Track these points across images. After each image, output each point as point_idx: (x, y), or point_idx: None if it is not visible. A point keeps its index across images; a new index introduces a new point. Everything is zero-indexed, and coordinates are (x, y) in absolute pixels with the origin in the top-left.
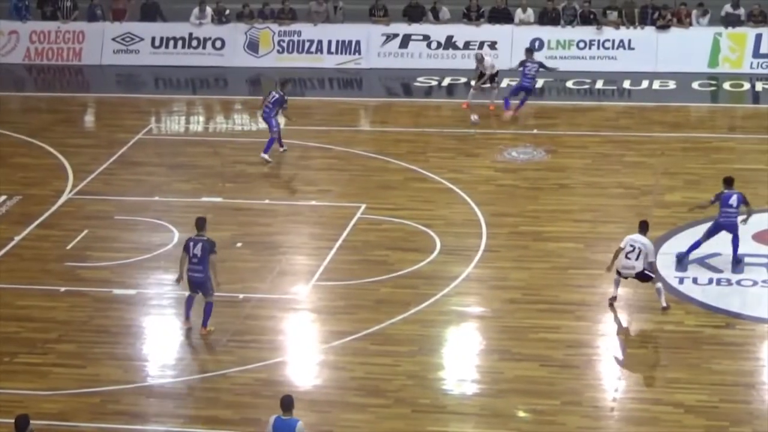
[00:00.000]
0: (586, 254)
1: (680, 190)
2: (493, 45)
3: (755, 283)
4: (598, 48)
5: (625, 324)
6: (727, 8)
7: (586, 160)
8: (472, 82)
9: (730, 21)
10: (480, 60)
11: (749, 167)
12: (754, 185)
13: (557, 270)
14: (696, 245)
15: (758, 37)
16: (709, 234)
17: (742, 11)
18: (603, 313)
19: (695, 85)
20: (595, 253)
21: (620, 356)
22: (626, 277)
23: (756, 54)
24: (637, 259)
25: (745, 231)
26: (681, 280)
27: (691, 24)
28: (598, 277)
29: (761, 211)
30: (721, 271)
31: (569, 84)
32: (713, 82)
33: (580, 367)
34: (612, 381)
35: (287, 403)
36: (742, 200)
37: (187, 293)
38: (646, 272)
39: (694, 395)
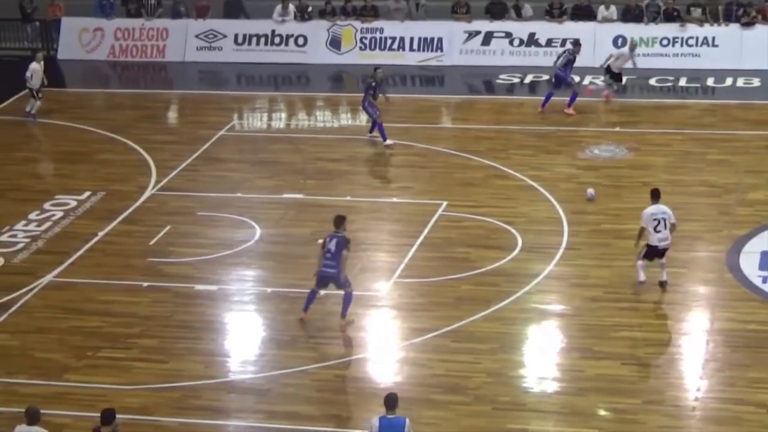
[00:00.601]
0: (669, 252)
1: (763, 189)
2: (576, 42)
3: None
4: (682, 45)
5: (707, 323)
6: None
7: (668, 158)
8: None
9: None
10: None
11: None
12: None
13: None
14: None
15: None
16: None
17: None
18: (685, 312)
19: None
20: (677, 251)
21: (702, 355)
22: (664, 250)
23: None
24: (666, 228)
25: None
26: (765, 279)
27: None
28: (680, 275)
29: None
30: None
31: (652, 81)
32: None
33: (662, 365)
34: (694, 380)
35: (392, 402)
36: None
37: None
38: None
39: None
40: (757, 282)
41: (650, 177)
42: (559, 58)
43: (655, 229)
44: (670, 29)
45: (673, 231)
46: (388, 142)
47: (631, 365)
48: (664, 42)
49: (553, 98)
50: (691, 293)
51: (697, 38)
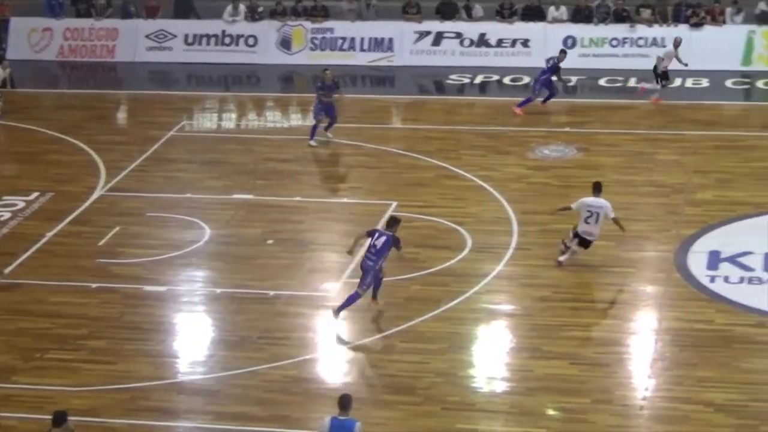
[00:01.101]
0: (617, 252)
1: (712, 189)
2: (525, 43)
3: None
4: (632, 46)
5: (655, 322)
6: (762, 6)
7: (618, 158)
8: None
9: (765, 19)
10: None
11: None
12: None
13: (588, 268)
14: None
15: None
16: None
17: None
18: (633, 312)
19: (728, 83)
20: (626, 251)
21: (650, 354)
22: (588, 242)
23: None
24: (596, 223)
25: None
26: (712, 279)
27: (724, 22)
28: (628, 275)
29: None
30: (752, 270)
31: (602, 82)
32: (747, 80)
33: (611, 365)
34: (642, 379)
35: (345, 403)
36: None
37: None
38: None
39: (724, 394)
40: (705, 281)
41: (600, 177)
42: (547, 63)
43: (585, 219)
44: (619, 30)
45: (618, 223)
46: (312, 142)
47: (580, 365)
48: (614, 42)
49: (535, 101)
50: (640, 293)
51: (646, 39)
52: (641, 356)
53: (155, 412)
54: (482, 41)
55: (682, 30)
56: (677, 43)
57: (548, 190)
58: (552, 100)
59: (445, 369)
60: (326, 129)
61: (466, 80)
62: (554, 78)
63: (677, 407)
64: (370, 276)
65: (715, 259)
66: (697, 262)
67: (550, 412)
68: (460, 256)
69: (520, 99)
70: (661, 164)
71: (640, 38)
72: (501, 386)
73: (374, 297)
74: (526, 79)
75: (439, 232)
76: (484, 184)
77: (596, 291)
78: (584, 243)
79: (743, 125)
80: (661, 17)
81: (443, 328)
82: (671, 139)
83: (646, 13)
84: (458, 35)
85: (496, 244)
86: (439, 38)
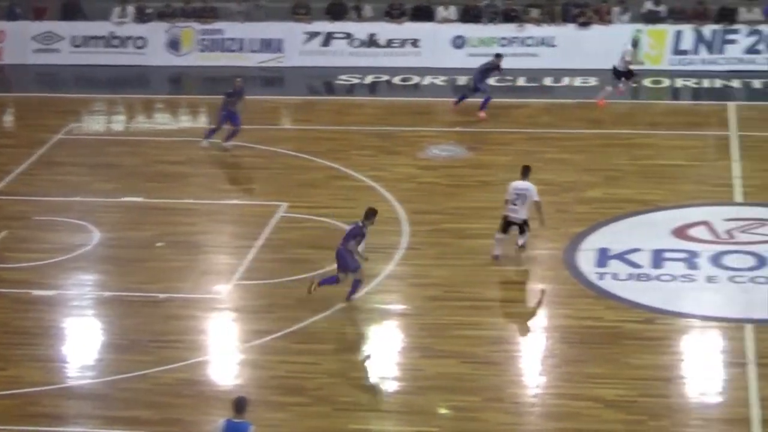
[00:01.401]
0: (507, 251)
1: (601, 187)
2: (415, 43)
3: (674, 278)
4: (520, 45)
5: (545, 320)
6: (648, 5)
7: (508, 157)
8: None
9: (651, 18)
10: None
11: (670, 163)
12: (674, 181)
13: (478, 267)
14: None
15: (678, 34)
16: None
17: (662, 8)
18: (524, 310)
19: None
20: (516, 249)
21: (541, 352)
22: (516, 223)
23: (675, 51)
24: (522, 205)
25: (665, 226)
26: (601, 276)
27: (612, 21)
28: (519, 273)
29: (681, 207)
30: (640, 267)
31: (491, 81)
32: (635, 78)
33: (502, 363)
34: (533, 377)
35: (240, 405)
36: None
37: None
38: (526, 225)
39: (614, 390)
40: (594, 279)
41: (490, 176)
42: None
43: (513, 202)
44: (508, 29)
45: (539, 209)
46: (204, 143)
47: (471, 363)
48: (503, 42)
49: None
50: (529, 290)
51: (534, 38)
52: (532, 354)
53: (46, 418)
54: (372, 42)
55: (569, 29)
56: (636, 42)
57: (438, 190)
58: (463, 101)
59: (336, 369)
60: (226, 139)
61: (356, 81)
62: (486, 79)
63: (567, 404)
64: (349, 259)
65: (603, 257)
66: (586, 259)
67: (442, 411)
68: None
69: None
70: (551, 163)
71: (528, 38)
72: (392, 386)
73: (322, 283)
74: (416, 79)
75: (330, 232)
76: (375, 185)
77: (487, 289)
78: (508, 225)
79: (631, 123)
80: (550, 17)
81: (335, 329)
82: (560, 138)
83: (534, 12)
84: (348, 36)
85: (387, 244)
86: (328, 39)
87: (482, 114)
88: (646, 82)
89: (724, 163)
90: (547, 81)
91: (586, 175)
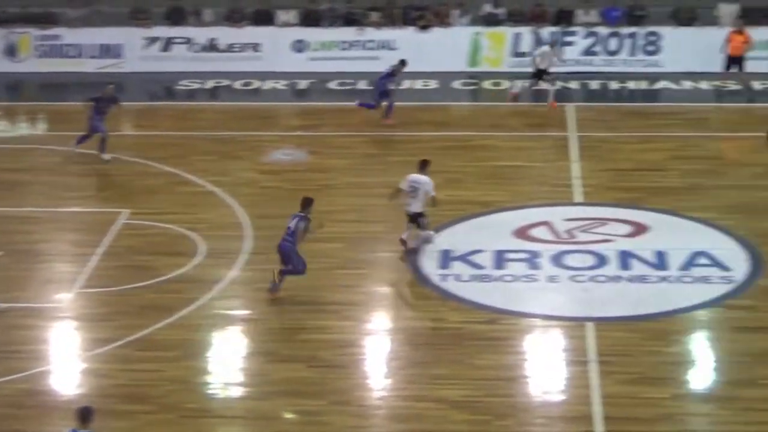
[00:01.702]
0: (351, 254)
1: (443, 189)
2: (256, 47)
3: (516, 278)
4: (361, 49)
5: (390, 322)
6: (487, 7)
7: (349, 161)
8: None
9: (490, 20)
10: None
11: (510, 164)
12: (515, 182)
13: (323, 270)
14: None
15: (517, 37)
16: None
17: (502, 11)
18: (369, 313)
19: (456, 84)
20: (360, 252)
21: (386, 354)
22: (410, 215)
23: (515, 53)
24: (416, 198)
25: (506, 227)
26: (444, 278)
27: (451, 24)
28: (362, 276)
29: (522, 208)
30: (483, 268)
31: (332, 85)
32: (474, 80)
33: (348, 366)
34: (378, 379)
35: (85, 415)
36: None
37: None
38: (420, 218)
39: (458, 391)
40: (437, 280)
41: (332, 180)
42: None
43: (409, 195)
44: (348, 33)
45: (434, 204)
46: (76, 149)
47: (317, 367)
48: (344, 46)
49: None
50: (374, 293)
51: (375, 42)
52: (377, 356)
53: None
54: (212, 46)
55: (410, 32)
56: (554, 43)
57: (280, 194)
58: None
59: (181, 376)
60: (101, 150)
61: (197, 86)
62: (390, 85)
63: (413, 405)
64: (294, 256)
65: (446, 258)
66: (429, 261)
67: (288, 415)
68: (193, 263)
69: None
70: (393, 166)
71: (369, 41)
72: (237, 391)
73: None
74: (257, 84)
75: (172, 238)
76: (216, 190)
77: (331, 293)
78: (410, 218)
79: (471, 125)
80: (390, 20)
81: (178, 336)
82: (403, 141)
83: (374, 16)
84: (188, 41)
85: (231, 250)
86: (168, 44)
87: (389, 121)
88: (486, 84)
89: (564, 163)
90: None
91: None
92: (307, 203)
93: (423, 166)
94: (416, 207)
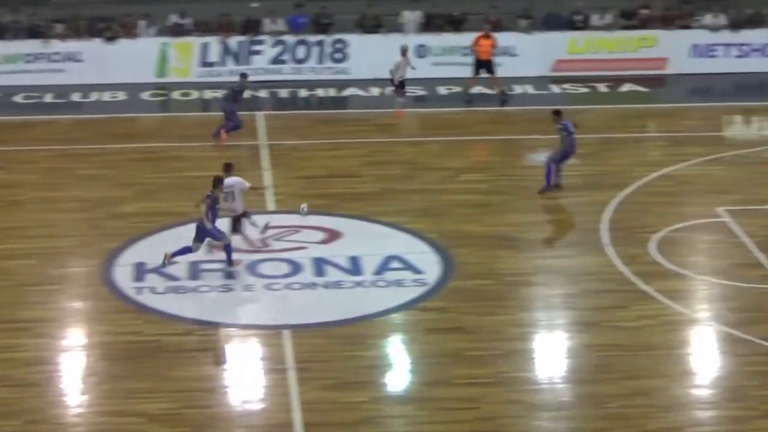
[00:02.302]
0: (41, 270)
1: (135, 201)
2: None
3: (212, 288)
4: (46, 61)
5: (85, 338)
6: (174, 18)
7: (36, 176)
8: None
9: (177, 31)
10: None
11: (203, 174)
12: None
13: (12, 288)
14: None
15: (205, 47)
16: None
17: (188, 21)
18: (63, 329)
19: (145, 95)
20: (51, 268)
21: (82, 370)
22: (237, 218)
23: (203, 63)
24: (233, 200)
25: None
26: (139, 290)
27: (138, 35)
28: (54, 292)
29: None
30: (178, 279)
31: (17, 99)
32: (163, 91)
33: (41, 384)
34: (75, 396)
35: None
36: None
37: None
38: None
39: (157, 404)
40: (132, 294)
41: (19, 195)
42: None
43: (225, 200)
44: (33, 45)
45: (256, 189)
46: None
47: (9, 387)
48: (28, 58)
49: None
50: (67, 309)
51: (61, 54)
52: (72, 373)
53: None
54: None
55: (96, 44)
56: (404, 51)
57: None
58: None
59: None
60: None
61: None
62: (238, 102)
63: (112, 421)
64: (207, 230)
65: (141, 271)
66: (123, 274)
67: None
68: None
69: None
70: (82, 179)
71: (54, 53)
72: None
73: (175, 255)
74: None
75: None
76: None
77: (22, 310)
78: (235, 222)
79: (161, 136)
80: (75, 32)
81: None
82: (91, 154)
83: (59, 27)
84: None
85: None
86: None
87: (223, 137)
88: (175, 95)
89: (256, 172)
90: (75, 97)
91: (119, 190)
92: (217, 182)
93: (228, 170)
94: (239, 207)
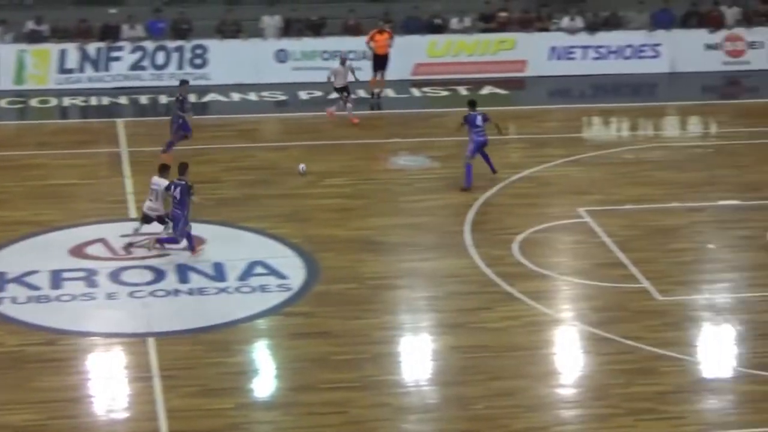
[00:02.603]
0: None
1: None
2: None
3: (74, 297)
4: None
5: None
6: (30, 24)
7: None
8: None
9: (34, 38)
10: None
11: (62, 182)
12: (68, 200)
13: None
14: None
15: (63, 53)
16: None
17: (45, 27)
18: None
19: (3, 103)
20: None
21: None
22: (150, 218)
23: (61, 70)
24: (157, 200)
25: (61, 246)
26: (0, 301)
27: None
28: None
29: (76, 226)
30: (39, 288)
31: None
32: (21, 99)
33: None
34: None
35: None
36: (486, 118)
37: None
38: (162, 218)
39: (21, 415)
40: None
41: None
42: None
43: (149, 198)
44: None
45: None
46: None
47: None
48: None
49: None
50: None
51: None
52: None
53: None
54: None
55: None
56: (343, 60)
57: None
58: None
59: None
60: None
61: None
62: (180, 112)
63: None
64: (181, 222)
65: (1, 281)
66: None
67: None
68: None
69: None
70: None
71: None
72: None
73: (192, 249)
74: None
75: None
76: None
77: None
78: (147, 219)
79: (19, 144)
80: None
81: None
82: None
83: None
84: None
85: None
86: None
87: (167, 155)
88: (33, 102)
89: (117, 179)
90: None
91: None
92: (183, 168)
93: (162, 170)
94: (160, 207)
